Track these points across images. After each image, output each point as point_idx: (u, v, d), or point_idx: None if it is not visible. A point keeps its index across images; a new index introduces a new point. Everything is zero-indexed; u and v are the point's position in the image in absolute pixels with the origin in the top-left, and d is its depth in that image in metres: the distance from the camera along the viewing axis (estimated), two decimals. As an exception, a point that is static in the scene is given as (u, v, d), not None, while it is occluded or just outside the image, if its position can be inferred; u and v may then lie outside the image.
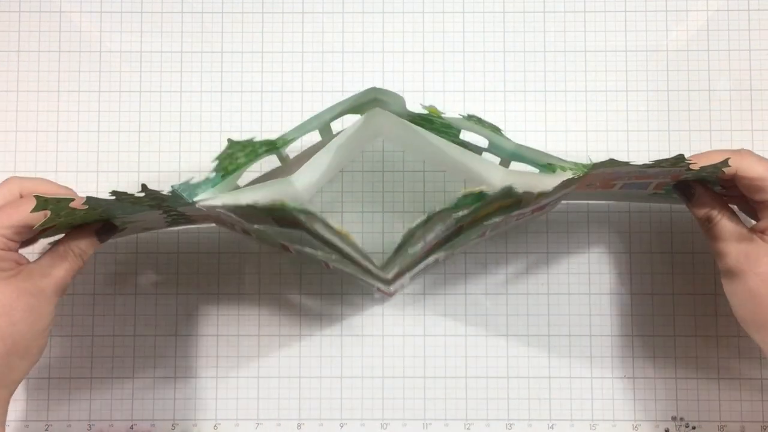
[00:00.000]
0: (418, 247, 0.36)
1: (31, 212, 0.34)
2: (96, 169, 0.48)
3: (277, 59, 0.48)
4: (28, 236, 0.36)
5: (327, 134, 0.42)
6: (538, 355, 0.47)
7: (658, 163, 0.35)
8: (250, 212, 0.35)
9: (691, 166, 0.35)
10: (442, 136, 0.42)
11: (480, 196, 0.33)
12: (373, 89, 0.37)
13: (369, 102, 0.39)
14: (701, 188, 0.39)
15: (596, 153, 0.48)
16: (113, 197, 0.33)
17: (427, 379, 0.47)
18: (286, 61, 0.48)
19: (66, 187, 0.39)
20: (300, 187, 0.39)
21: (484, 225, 0.37)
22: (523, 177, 0.40)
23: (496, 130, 0.37)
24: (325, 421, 0.47)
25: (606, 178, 0.38)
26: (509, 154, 0.41)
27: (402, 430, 0.47)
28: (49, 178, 0.47)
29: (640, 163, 0.35)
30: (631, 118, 0.48)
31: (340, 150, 0.41)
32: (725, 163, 0.35)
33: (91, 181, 0.48)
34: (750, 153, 0.37)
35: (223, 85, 0.48)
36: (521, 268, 0.47)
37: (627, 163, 0.34)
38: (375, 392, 0.47)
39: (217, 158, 0.36)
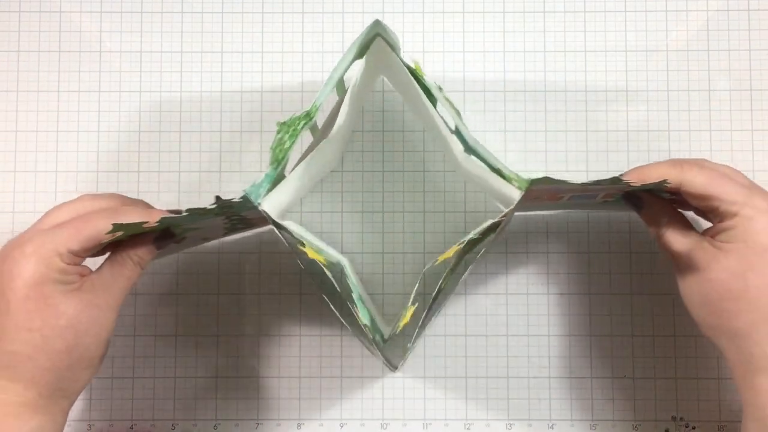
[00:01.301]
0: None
1: (105, 234, 0.35)
2: (96, 169, 0.48)
3: (277, 59, 0.48)
4: (94, 251, 0.36)
5: (341, 91, 0.41)
6: (538, 355, 0.47)
7: (597, 183, 0.35)
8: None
9: (631, 184, 0.35)
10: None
11: (494, 225, 0.34)
12: (377, 23, 0.37)
13: (373, 37, 0.38)
14: (649, 197, 0.39)
15: (596, 153, 0.48)
16: (187, 213, 0.34)
17: (428, 379, 0.47)
18: (286, 61, 0.48)
19: (136, 200, 0.39)
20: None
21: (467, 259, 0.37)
22: (497, 181, 0.39)
23: (457, 113, 0.37)
24: (325, 421, 0.47)
25: (551, 191, 0.38)
26: (468, 146, 0.40)
27: (402, 430, 0.47)
28: (50, 178, 0.47)
29: (578, 182, 0.35)
30: (631, 118, 0.48)
31: (351, 98, 0.40)
32: (664, 182, 0.36)
33: (91, 181, 0.48)
34: (691, 164, 0.37)
35: (223, 85, 0.48)
36: (521, 268, 0.47)
37: (564, 182, 0.34)
38: (374, 392, 0.47)
39: (271, 149, 0.36)
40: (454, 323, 0.47)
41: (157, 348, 0.47)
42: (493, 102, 0.48)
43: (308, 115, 0.37)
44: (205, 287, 0.47)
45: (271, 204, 0.36)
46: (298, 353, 0.47)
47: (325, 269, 0.36)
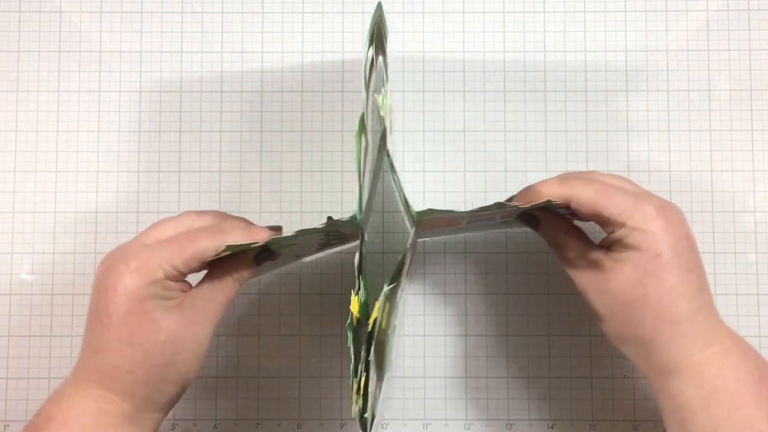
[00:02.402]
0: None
1: (215, 256, 0.36)
2: (96, 169, 0.48)
3: (277, 59, 0.48)
4: (197, 269, 0.37)
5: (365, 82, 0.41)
6: (538, 355, 0.47)
7: (483, 209, 0.35)
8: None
9: (520, 206, 0.36)
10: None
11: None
12: (379, 6, 0.37)
13: (377, 22, 0.38)
14: (544, 215, 0.40)
15: (596, 153, 0.48)
16: (295, 233, 0.34)
17: (427, 379, 0.47)
18: (286, 61, 0.48)
19: (237, 217, 0.39)
20: None
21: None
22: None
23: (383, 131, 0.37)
24: (325, 421, 0.47)
25: (445, 219, 0.38)
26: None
27: (402, 430, 0.47)
28: (49, 178, 0.47)
29: (465, 210, 0.35)
30: (631, 118, 0.48)
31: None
32: (548, 202, 0.36)
33: (91, 181, 0.48)
34: (578, 179, 0.37)
35: (223, 84, 0.48)
36: (521, 268, 0.47)
37: (450, 211, 0.35)
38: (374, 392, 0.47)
39: (356, 164, 0.36)
40: (454, 323, 0.47)
41: (157, 348, 0.47)
42: (493, 102, 0.48)
43: (361, 122, 0.37)
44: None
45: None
46: (298, 353, 0.47)
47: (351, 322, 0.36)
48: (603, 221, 0.37)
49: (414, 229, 0.38)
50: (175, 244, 0.35)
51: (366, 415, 0.33)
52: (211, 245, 0.36)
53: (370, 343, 0.34)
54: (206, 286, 0.37)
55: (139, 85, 0.48)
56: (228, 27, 0.49)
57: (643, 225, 0.35)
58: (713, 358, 0.35)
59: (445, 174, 0.48)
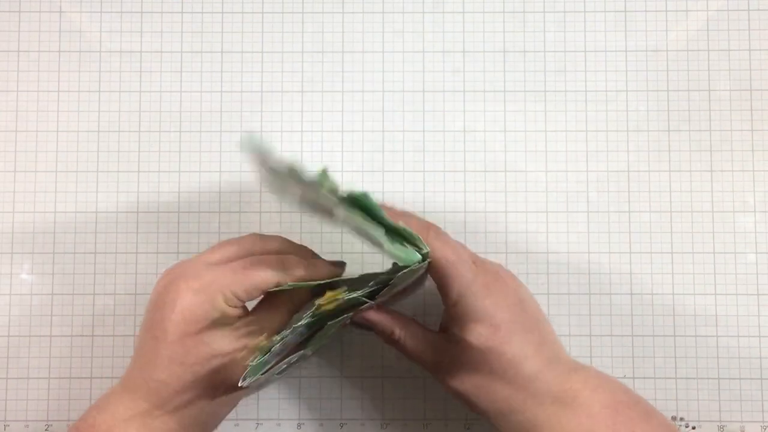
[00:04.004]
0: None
1: (276, 288, 0.36)
2: (96, 169, 0.48)
3: (277, 59, 0.48)
4: (256, 297, 0.37)
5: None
6: (538, 355, 0.47)
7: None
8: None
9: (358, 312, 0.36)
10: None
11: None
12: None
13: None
14: (376, 315, 0.38)
15: (596, 153, 0.48)
16: (361, 278, 0.35)
17: (427, 379, 0.47)
18: (286, 61, 0.48)
19: (301, 246, 0.40)
20: None
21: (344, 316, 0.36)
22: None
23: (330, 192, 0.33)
24: (325, 421, 0.47)
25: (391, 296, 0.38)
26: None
27: (402, 430, 0.47)
28: (49, 178, 0.47)
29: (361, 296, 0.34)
30: (631, 118, 0.48)
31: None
32: (425, 254, 0.34)
33: (91, 181, 0.48)
34: (441, 235, 0.35)
35: (223, 85, 0.48)
36: (521, 268, 0.47)
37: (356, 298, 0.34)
38: (374, 392, 0.47)
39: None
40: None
41: (157, 348, 0.47)
42: (493, 102, 0.48)
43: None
44: (205, 287, 0.47)
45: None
46: (298, 353, 0.47)
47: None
48: (447, 292, 0.36)
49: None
50: (240, 272, 0.35)
51: (252, 363, 0.32)
52: (274, 279, 0.35)
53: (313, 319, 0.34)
54: (263, 314, 0.37)
55: (139, 85, 0.48)
56: (228, 27, 0.49)
57: (476, 303, 0.35)
58: (564, 407, 0.35)
59: (444, 174, 0.48)
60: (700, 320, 0.47)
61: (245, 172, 0.48)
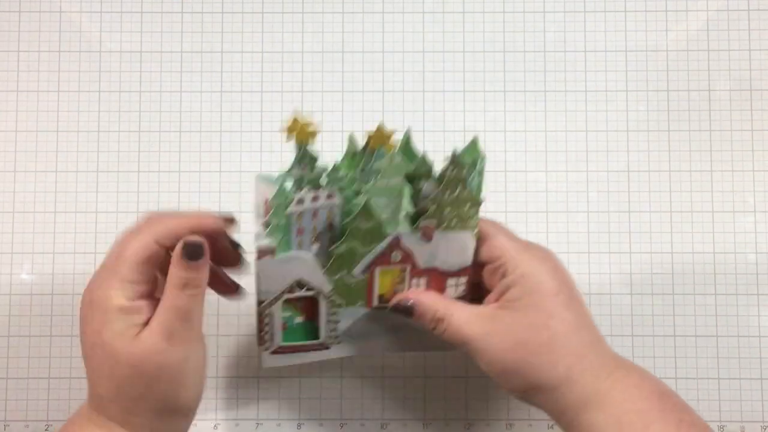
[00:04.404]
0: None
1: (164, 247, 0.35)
2: (96, 169, 0.48)
3: (277, 59, 0.48)
4: (145, 277, 0.35)
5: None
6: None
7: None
8: None
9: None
10: None
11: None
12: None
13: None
14: (418, 294, 0.38)
15: (596, 153, 0.48)
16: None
17: (428, 379, 0.47)
18: (286, 61, 0.48)
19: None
20: None
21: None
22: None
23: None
24: (325, 421, 0.47)
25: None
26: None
27: (402, 430, 0.47)
28: (49, 178, 0.47)
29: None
30: (631, 118, 0.48)
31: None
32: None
33: (91, 181, 0.48)
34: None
35: (223, 85, 0.48)
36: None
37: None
38: (375, 392, 0.47)
39: None
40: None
41: (157, 348, 0.47)
42: (493, 102, 0.48)
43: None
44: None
45: None
46: (298, 353, 0.47)
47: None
48: (496, 265, 0.36)
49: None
50: (112, 256, 0.35)
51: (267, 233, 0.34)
52: (147, 238, 0.34)
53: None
54: (159, 312, 0.34)
55: (139, 85, 0.48)
56: (228, 27, 0.49)
57: (532, 269, 0.36)
58: (617, 383, 0.35)
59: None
60: (700, 320, 0.47)
61: (245, 172, 0.48)
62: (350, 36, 0.49)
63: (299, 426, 0.47)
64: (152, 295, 0.36)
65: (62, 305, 0.47)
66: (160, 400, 0.34)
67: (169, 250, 0.35)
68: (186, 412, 0.36)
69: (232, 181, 0.48)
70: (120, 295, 0.34)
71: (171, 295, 0.34)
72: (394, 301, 0.38)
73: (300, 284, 0.37)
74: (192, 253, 0.34)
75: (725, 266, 0.47)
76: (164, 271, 0.35)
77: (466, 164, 0.36)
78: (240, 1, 0.49)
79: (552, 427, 0.47)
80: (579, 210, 0.48)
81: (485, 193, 0.37)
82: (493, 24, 0.49)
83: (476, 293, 0.39)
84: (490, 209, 0.47)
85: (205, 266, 0.35)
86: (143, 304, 0.34)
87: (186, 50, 0.49)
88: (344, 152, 0.38)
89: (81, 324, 0.35)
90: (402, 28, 0.48)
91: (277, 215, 0.35)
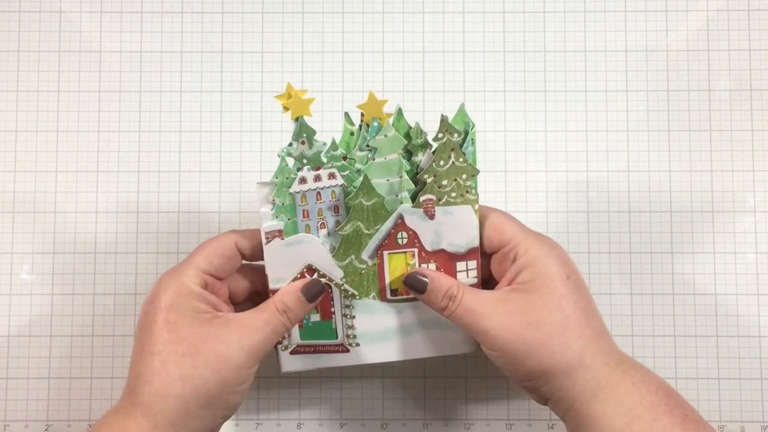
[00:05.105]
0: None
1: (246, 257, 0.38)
2: (96, 169, 0.48)
3: (277, 59, 0.48)
4: (227, 270, 0.37)
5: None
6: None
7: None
8: None
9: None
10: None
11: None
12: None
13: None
14: (433, 273, 0.38)
15: (596, 153, 0.48)
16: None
17: (427, 379, 0.47)
18: (286, 61, 0.48)
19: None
20: None
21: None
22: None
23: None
24: (325, 421, 0.47)
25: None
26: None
27: (402, 430, 0.47)
28: (49, 178, 0.47)
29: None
30: (631, 118, 0.48)
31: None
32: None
33: (91, 181, 0.48)
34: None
35: (223, 85, 0.48)
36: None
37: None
38: (374, 392, 0.47)
39: None
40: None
41: (157, 348, 0.47)
42: (493, 102, 0.48)
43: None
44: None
45: None
46: (298, 353, 0.47)
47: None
48: (506, 251, 0.37)
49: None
50: (198, 251, 0.37)
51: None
52: (233, 239, 0.37)
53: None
54: (246, 313, 0.36)
55: (139, 85, 0.48)
56: (228, 27, 0.49)
57: (543, 253, 0.36)
58: (626, 375, 0.35)
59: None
60: (700, 320, 0.47)
61: (245, 172, 0.48)
62: (350, 36, 0.49)
63: (299, 426, 0.47)
64: (221, 292, 0.38)
65: (62, 305, 0.47)
66: (200, 389, 0.34)
67: (244, 256, 0.38)
68: (217, 414, 0.36)
69: (232, 181, 0.48)
70: (196, 280, 0.36)
71: (270, 316, 0.36)
72: (408, 273, 0.37)
73: (311, 270, 0.37)
74: (313, 294, 0.37)
75: (725, 266, 0.47)
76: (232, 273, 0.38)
77: (456, 131, 0.36)
78: (240, 1, 0.49)
79: (552, 427, 0.47)
80: (579, 210, 0.48)
81: (480, 166, 0.38)
82: (493, 24, 0.49)
83: (487, 288, 0.39)
84: (490, 209, 0.48)
85: (311, 308, 0.38)
86: (215, 300, 0.37)
87: (186, 50, 0.49)
88: (342, 131, 0.38)
89: (143, 309, 0.36)
90: (402, 28, 0.48)
91: (281, 194, 0.36)
